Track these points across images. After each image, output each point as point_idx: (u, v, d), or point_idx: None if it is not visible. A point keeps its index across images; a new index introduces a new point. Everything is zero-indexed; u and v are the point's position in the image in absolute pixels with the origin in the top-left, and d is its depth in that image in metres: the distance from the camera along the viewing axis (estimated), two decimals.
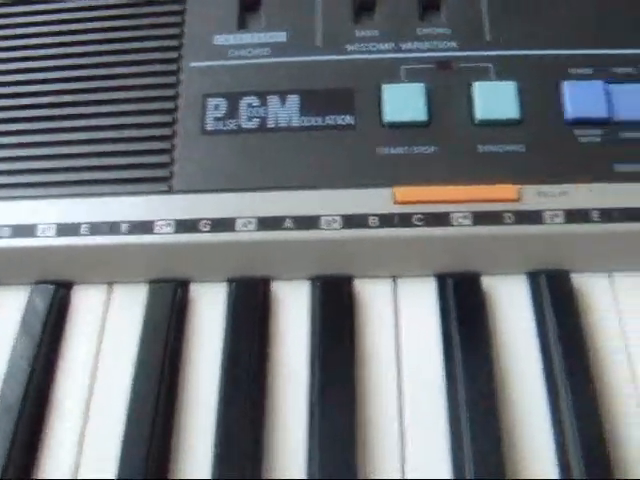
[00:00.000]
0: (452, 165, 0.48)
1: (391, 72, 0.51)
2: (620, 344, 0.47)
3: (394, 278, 0.50)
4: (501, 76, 0.51)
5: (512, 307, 0.48)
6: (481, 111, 0.49)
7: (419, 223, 0.47)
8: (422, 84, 0.50)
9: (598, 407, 0.43)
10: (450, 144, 0.49)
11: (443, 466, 0.43)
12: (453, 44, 0.52)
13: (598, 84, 0.50)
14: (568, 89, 0.50)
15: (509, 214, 0.47)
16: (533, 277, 0.49)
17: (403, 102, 0.50)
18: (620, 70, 0.51)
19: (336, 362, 0.45)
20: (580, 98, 0.50)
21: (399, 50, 0.52)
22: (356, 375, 0.46)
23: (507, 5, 0.53)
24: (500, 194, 0.47)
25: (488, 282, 0.49)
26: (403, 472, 0.43)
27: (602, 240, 0.47)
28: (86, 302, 0.50)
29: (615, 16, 0.53)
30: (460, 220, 0.47)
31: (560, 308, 0.47)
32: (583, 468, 0.42)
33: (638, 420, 0.44)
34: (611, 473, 0.41)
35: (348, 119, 0.50)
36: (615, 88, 0.50)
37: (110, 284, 0.50)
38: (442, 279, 0.49)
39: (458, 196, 0.47)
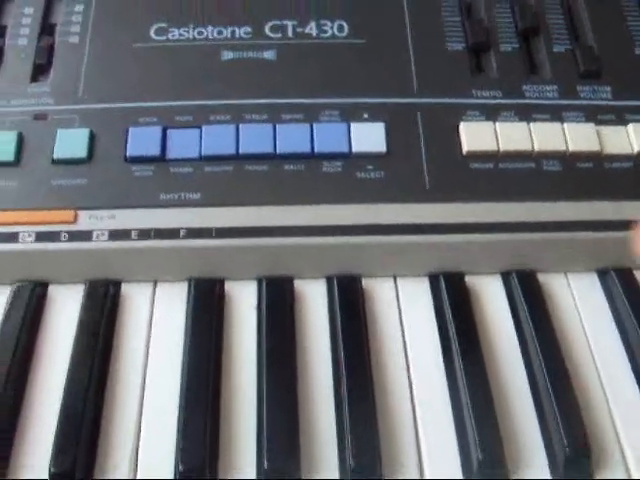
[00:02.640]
0: (30, 195, 0.60)
1: None
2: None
3: None
4: (82, 124, 0.63)
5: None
6: (56, 152, 0.61)
7: None
8: (15, 132, 0.62)
9: None
10: (32, 179, 0.61)
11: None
12: (50, 100, 0.64)
13: (156, 129, 0.62)
14: (132, 133, 0.62)
15: (65, 233, 0.59)
16: None
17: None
18: (180, 118, 0.63)
19: None
20: (139, 140, 0.62)
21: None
22: None
23: (101, 69, 0.66)
24: (59, 217, 0.59)
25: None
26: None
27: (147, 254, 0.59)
28: None
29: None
30: (25, 238, 0.58)
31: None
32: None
33: None
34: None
35: None
36: (172, 133, 0.62)
37: None
38: None
39: (26, 219, 0.59)
